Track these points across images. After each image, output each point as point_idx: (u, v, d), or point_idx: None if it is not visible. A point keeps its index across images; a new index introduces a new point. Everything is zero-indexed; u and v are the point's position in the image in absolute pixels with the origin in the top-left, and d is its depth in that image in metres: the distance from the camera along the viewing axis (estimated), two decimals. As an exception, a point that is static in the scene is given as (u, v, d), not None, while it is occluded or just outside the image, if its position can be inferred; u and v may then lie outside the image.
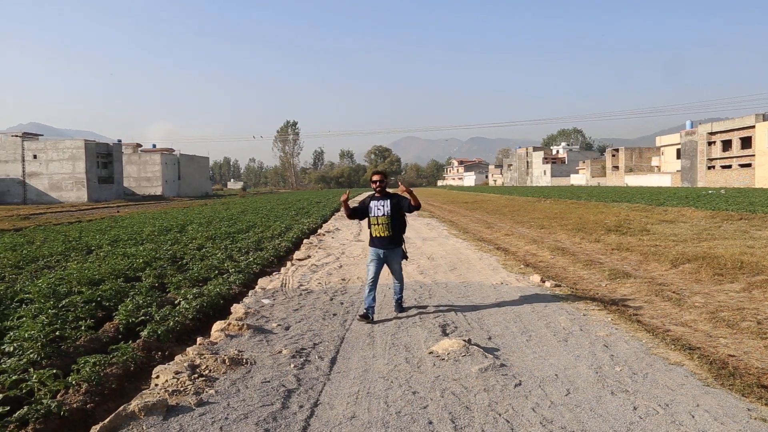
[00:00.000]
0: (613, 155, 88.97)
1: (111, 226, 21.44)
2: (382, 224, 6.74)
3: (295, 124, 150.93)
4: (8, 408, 3.99)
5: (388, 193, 6.89)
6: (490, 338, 5.91)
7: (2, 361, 5.10)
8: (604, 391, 4.37)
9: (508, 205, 33.38)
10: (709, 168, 60.62)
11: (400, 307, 7.17)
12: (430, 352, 5.40)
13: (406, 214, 6.95)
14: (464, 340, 5.54)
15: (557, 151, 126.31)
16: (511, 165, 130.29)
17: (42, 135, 71.79)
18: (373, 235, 6.82)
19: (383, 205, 6.76)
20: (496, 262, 11.33)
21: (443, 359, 5.18)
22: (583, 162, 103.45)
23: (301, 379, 4.73)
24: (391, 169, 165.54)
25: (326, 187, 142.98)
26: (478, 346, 5.51)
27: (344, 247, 14.30)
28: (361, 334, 6.16)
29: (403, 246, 6.99)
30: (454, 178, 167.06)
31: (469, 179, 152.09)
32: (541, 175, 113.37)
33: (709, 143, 60.52)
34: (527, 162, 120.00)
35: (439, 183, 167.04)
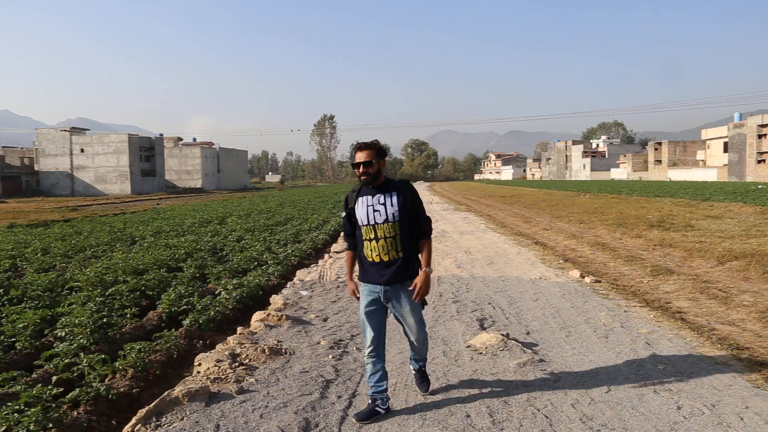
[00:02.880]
0: (656, 149, 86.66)
1: (153, 217, 22.00)
2: (384, 238, 3.84)
3: (332, 117, 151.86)
4: (62, 390, 4.15)
5: (390, 183, 3.95)
6: (528, 333, 5.86)
7: (55, 345, 5.32)
8: (647, 389, 4.28)
9: (547, 200, 32.89)
10: (759, 162, 58.42)
11: (422, 378, 4.33)
12: (468, 346, 5.39)
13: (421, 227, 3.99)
14: (502, 335, 5.50)
15: (597, 145, 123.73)
16: (550, 159, 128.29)
17: (89, 129, 74.06)
18: (368, 259, 3.92)
19: (384, 204, 3.86)
20: (534, 256, 11.20)
21: (481, 353, 5.16)
22: (624, 156, 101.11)
23: (339, 370, 4.78)
24: (428, 163, 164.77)
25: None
26: (516, 340, 5.47)
27: (381, 240, 14.35)
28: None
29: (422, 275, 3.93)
30: (491, 172, 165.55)
31: (507, 173, 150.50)
32: (580, 169, 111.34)
33: (760, 136, 58.28)
34: (566, 156, 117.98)
35: (476, 177, 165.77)
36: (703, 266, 9.79)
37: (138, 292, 7.52)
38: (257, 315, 6.38)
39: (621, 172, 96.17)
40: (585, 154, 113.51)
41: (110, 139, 66.67)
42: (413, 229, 3.93)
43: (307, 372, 4.70)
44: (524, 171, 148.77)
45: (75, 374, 4.58)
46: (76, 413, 4.04)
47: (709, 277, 8.85)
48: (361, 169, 3.83)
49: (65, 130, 67.70)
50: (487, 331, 5.78)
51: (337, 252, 12.12)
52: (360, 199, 3.94)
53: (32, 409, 3.66)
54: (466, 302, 7.28)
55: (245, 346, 5.17)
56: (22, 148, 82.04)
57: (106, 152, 65.68)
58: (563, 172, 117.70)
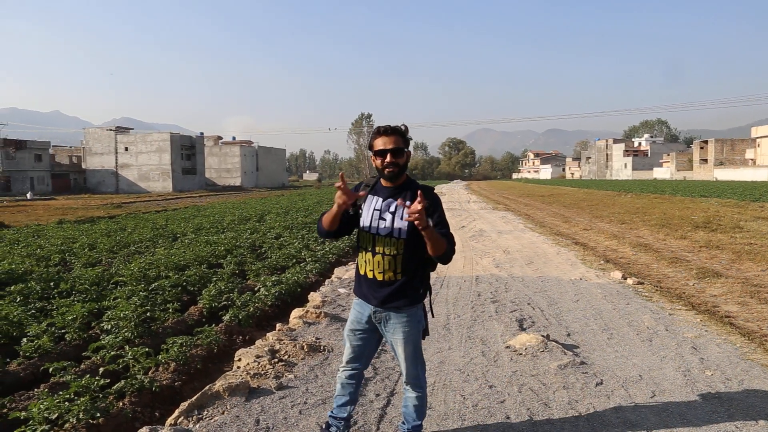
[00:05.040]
0: (701, 147, 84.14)
1: (194, 215, 22.46)
2: (383, 254, 3.10)
3: (369, 116, 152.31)
4: (108, 381, 4.27)
5: (409, 187, 3.17)
6: (569, 335, 5.75)
7: (101, 337, 5.47)
8: (694, 395, 4.15)
9: (587, 199, 32.29)
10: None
11: None
12: (507, 347, 5.32)
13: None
14: (542, 336, 5.42)
15: (639, 144, 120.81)
16: (590, 158, 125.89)
17: (133, 129, 76.12)
18: (361, 272, 3.25)
19: (393, 213, 3.09)
20: (574, 257, 11.00)
21: (520, 354, 5.09)
22: (668, 155, 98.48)
23: (378, 368, 4.78)
24: (465, 162, 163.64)
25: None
26: (556, 342, 5.38)
27: (418, 239, 14.32)
28: (437, 325, 6.14)
29: (423, 304, 3.28)
30: (529, 171, 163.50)
31: (545, 172, 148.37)
32: (621, 168, 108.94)
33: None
34: (607, 155, 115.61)
35: (514, 176, 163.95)
36: (753, 269, 9.44)
37: (179, 288, 7.68)
38: (296, 312, 6.44)
39: (664, 172, 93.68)
40: (626, 152, 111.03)
41: (153, 138, 68.36)
42: (419, 248, 3.03)
43: (346, 369, 4.72)
44: (563, 170, 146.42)
45: (120, 366, 4.70)
46: (121, 404, 4.15)
47: (759, 280, 8.53)
48: (388, 159, 3.02)
49: (110, 130, 69.74)
50: (526, 332, 5.69)
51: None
52: (371, 196, 3.18)
53: (81, 399, 3.77)
54: (504, 302, 7.19)
55: (284, 343, 5.22)
56: (70, 147, 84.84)
57: (149, 151, 67.36)
58: (603, 172, 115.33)
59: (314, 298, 7.22)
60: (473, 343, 5.49)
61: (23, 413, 3.64)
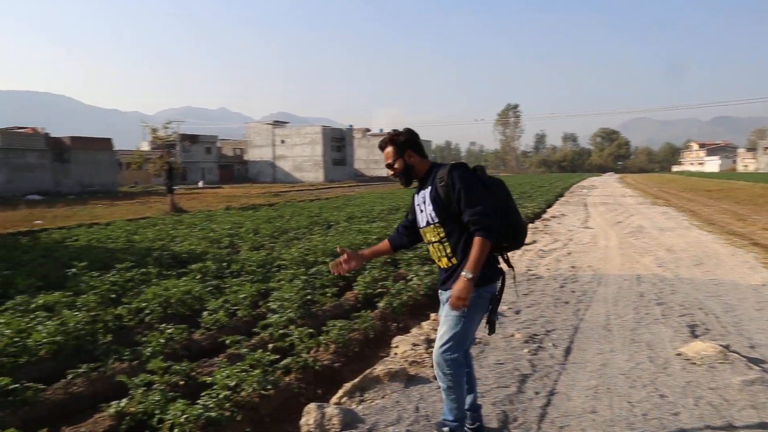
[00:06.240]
0: None
1: (345, 204, 23.43)
2: (431, 243, 3.22)
3: (516, 106, 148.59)
4: (278, 357, 4.58)
5: (429, 173, 3.23)
6: (752, 347, 5.14)
7: (267, 315, 5.89)
8: None
9: (766, 195, 28.76)
10: None
11: None
12: (678, 354, 4.88)
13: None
14: (721, 345, 4.91)
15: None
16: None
17: (288, 122, 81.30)
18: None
19: (425, 202, 3.20)
20: (753, 259, 9.83)
21: (695, 363, 4.65)
22: None
23: (536, 365, 4.64)
24: (619, 153, 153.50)
25: (547, 171, 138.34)
26: (738, 354, 4.83)
27: (571, 233, 13.68)
28: (596, 325, 5.82)
29: (491, 294, 3.17)
30: (692, 163, 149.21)
31: (712, 164, 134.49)
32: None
33: None
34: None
35: (674, 168, 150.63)
36: None
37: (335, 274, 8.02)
38: (449, 303, 6.44)
39: None
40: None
41: (306, 131, 72.43)
42: (462, 228, 3.03)
43: (502, 364, 4.63)
44: (734, 162, 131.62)
45: (287, 344, 5.03)
46: (287, 379, 4.43)
47: None
48: (390, 171, 3.28)
49: (269, 124, 75.12)
50: (700, 340, 5.19)
51: (526, 243, 11.80)
52: (415, 195, 3.32)
53: (255, 371, 4.08)
54: (672, 305, 6.62)
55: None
56: (234, 141, 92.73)
57: (303, 143, 71.48)
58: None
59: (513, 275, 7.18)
60: (638, 347, 5.12)
61: (209, 378, 4.03)
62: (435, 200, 3.08)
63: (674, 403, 3.91)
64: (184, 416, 3.42)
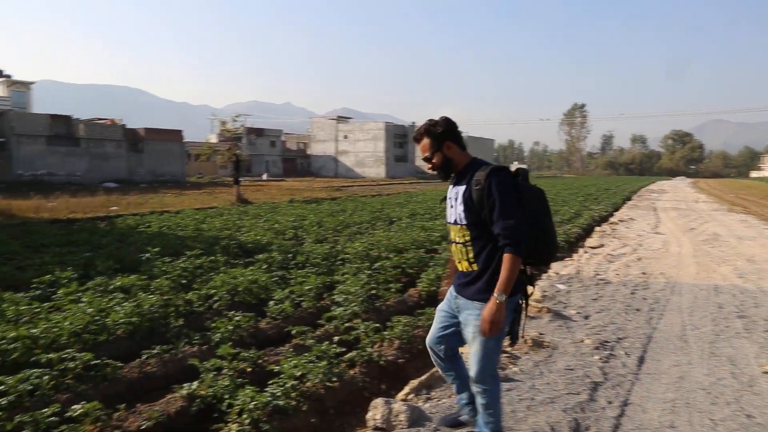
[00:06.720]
0: None
1: (407, 201, 23.40)
2: (455, 242, 3.04)
3: (582, 106, 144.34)
4: (344, 349, 4.59)
5: (467, 169, 3.01)
6: None
7: (332, 308, 5.92)
8: None
9: None
10: None
11: None
12: (766, 372, 4.57)
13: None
14: (814, 365, 4.56)
15: None
16: None
17: (351, 118, 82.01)
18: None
19: (456, 199, 3.01)
20: None
21: (785, 383, 4.34)
22: None
23: (607, 373, 4.45)
24: (692, 157, 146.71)
25: (614, 173, 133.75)
26: (835, 375, 4.48)
27: (641, 238, 13.14)
28: (671, 336, 5.53)
29: (515, 303, 2.98)
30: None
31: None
32: None
33: None
34: None
35: (753, 174, 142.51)
36: None
37: (399, 269, 8.00)
38: (515, 304, 6.30)
39: None
40: None
41: (369, 127, 72.87)
42: (488, 236, 2.86)
43: (572, 370, 4.47)
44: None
45: (352, 337, 5.03)
46: (352, 372, 4.43)
47: None
48: (427, 164, 3.08)
49: (332, 119, 76.01)
50: (790, 358, 4.85)
51: (593, 247, 11.44)
52: (449, 188, 3.12)
53: (322, 363, 4.10)
54: (755, 319, 6.22)
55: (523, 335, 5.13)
56: (298, 135, 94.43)
57: (365, 139, 71.96)
58: None
59: (534, 292, 6.99)
60: (719, 362, 4.83)
61: (275, 367, 4.07)
62: (467, 202, 2.90)
63: (764, 425, 3.64)
64: (253, 403, 3.46)
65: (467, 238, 2.93)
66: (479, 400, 3.07)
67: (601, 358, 4.76)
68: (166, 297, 5.84)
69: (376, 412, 3.56)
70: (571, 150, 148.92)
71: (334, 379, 4.11)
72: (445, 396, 3.86)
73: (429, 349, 3.28)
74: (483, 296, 2.84)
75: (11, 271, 7.72)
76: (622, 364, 4.68)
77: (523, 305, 3.05)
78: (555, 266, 9.13)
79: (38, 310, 5.31)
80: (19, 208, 18.15)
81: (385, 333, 5.11)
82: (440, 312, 3.22)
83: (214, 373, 3.98)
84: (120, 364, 4.29)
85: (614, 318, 6.08)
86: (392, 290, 6.76)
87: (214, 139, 56.47)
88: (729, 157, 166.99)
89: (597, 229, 14.90)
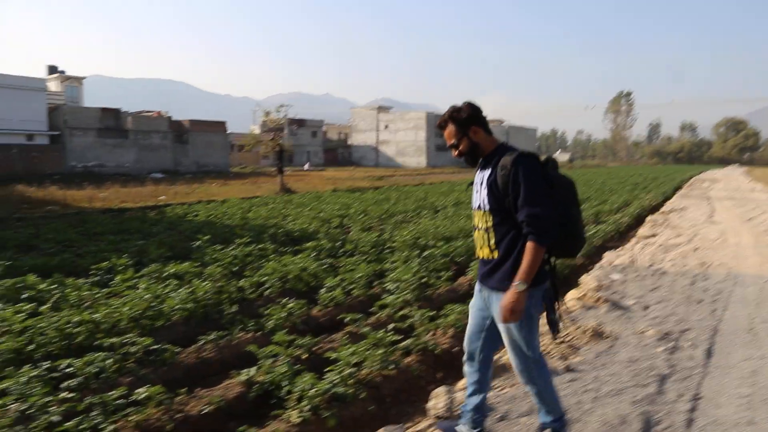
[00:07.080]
0: None
1: (450, 190, 23.19)
2: (478, 228, 2.97)
3: (629, 94, 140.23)
4: (400, 337, 4.54)
5: (494, 154, 2.91)
6: None
7: (383, 296, 5.87)
8: None
9: None
10: None
11: None
12: None
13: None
14: None
15: None
16: None
17: (392, 108, 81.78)
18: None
19: (481, 183, 2.92)
20: None
21: None
22: None
23: (674, 365, 4.27)
24: (745, 145, 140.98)
25: (661, 162, 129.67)
26: None
27: (695, 228, 12.65)
28: (738, 328, 5.28)
29: (544, 292, 2.91)
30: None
31: None
32: None
33: None
34: None
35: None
36: None
37: (448, 258, 7.90)
38: (572, 293, 6.14)
39: None
40: None
41: (410, 117, 72.52)
42: (512, 222, 2.78)
43: (636, 362, 4.30)
44: None
45: (406, 325, 4.98)
46: (407, 360, 4.38)
47: None
48: (453, 151, 2.99)
49: (373, 109, 75.93)
50: None
51: (645, 237, 11.07)
52: (476, 173, 3.02)
53: (379, 351, 4.06)
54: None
55: (565, 324, 4.98)
56: (338, 125, 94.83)
57: (406, 128, 71.67)
58: None
59: (588, 281, 6.80)
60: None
61: (332, 354, 4.05)
62: (491, 187, 2.81)
63: None
64: (313, 390, 3.44)
65: (490, 223, 2.86)
66: (530, 391, 3.02)
67: (665, 350, 4.56)
68: (218, 284, 5.90)
69: (438, 400, 3.50)
70: (616, 139, 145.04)
71: (391, 367, 4.07)
72: (507, 385, 3.77)
73: (464, 350, 3.14)
74: (505, 285, 2.76)
75: (71, 258, 7.96)
76: (688, 356, 4.48)
77: (554, 294, 2.95)
78: (608, 256, 8.86)
79: (98, 295, 5.44)
80: (74, 198, 18.79)
81: (439, 321, 5.04)
82: (473, 310, 3.10)
83: (272, 359, 3.99)
84: (178, 350, 4.34)
85: (675, 309, 5.84)
86: (443, 278, 6.68)
87: (257, 130, 57.14)
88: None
89: (648, 218, 14.45)
